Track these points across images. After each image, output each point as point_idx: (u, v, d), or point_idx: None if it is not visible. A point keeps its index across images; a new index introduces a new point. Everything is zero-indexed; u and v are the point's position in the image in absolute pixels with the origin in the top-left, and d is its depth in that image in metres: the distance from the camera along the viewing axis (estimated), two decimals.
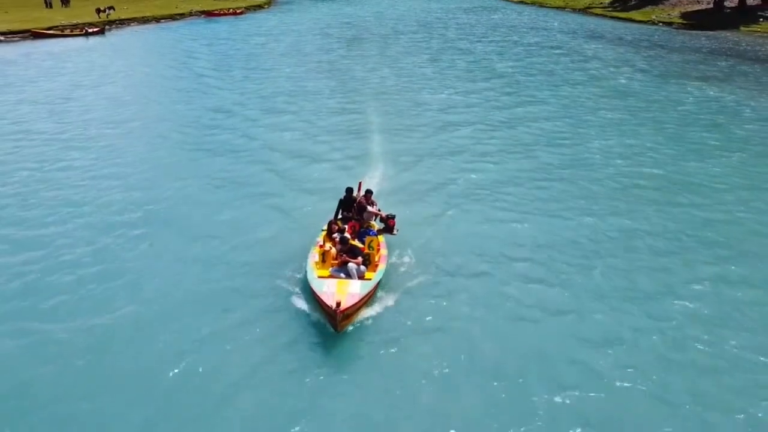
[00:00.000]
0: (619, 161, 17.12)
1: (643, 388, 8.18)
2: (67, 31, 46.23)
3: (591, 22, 53.22)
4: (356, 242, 10.94)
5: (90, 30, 46.55)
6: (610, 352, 8.91)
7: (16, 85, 28.09)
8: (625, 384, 8.23)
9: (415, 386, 8.30)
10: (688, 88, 26.52)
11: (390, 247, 11.39)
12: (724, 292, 10.42)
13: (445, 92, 26.20)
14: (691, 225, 13.04)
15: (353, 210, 12.25)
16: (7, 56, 36.00)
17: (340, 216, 12.32)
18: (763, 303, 10.17)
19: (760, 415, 7.74)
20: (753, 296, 10.34)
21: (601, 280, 10.83)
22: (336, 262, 10.66)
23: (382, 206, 12.89)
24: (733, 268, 11.24)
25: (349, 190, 12.53)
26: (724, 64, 32.47)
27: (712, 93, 25.67)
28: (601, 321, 9.64)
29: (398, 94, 25.92)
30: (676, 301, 10.13)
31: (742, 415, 7.74)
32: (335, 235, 11.26)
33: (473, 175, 16.03)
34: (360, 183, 13.36)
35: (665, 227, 12.90)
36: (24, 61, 34.71)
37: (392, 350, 9.03)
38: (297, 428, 7.57)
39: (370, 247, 11.20)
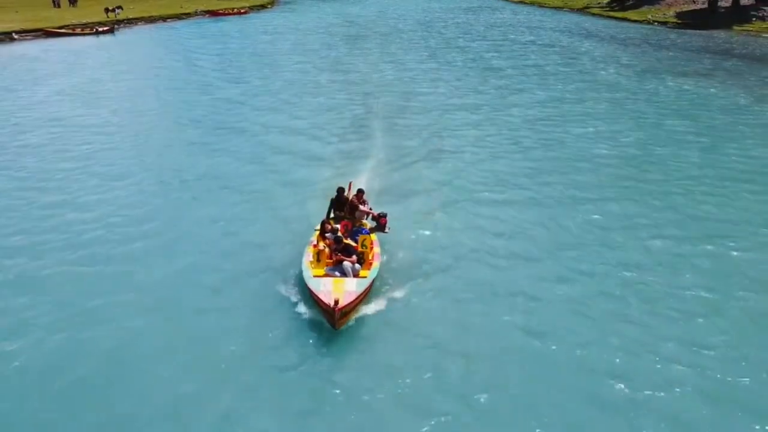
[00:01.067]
0: (599, 147, 18.57)
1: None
2: (78, 30, 47.64)
3: (588, 22, 54.29)
4: (349, 241, 11.16)
5: (100, 29, 47.98)
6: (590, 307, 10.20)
7: (46, 78, 29.89)
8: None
9: (412, 380, 8.57)
10: (669, 83, 27.85)
11: (383, 245, 11.62)
12: (680, 249, 12.06)
13: (442, 88, 27.46)
14: (654, 199, 14.50)
15: (345, 209, 12.46)
16: (30, 53, 37.67)
17: (332, 215, 12.49)
18: (705, 255, 11.88)
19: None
20: (696, 250, 12.04)
21: (587, 255, 12.01)
22: (331, 261, 10.82)
23: (375, 201, 13.35)
24: (685, 233, 12.70)
25: (341, 190, 12.67)
26: (708, 60, 33.70)
27: (688, 87, 27.07)
28: (581, 286, 10.92)
29: (398, 89, 27.19)
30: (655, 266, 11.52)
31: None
32: (328, 234, 11.32)
33: (464, 169, 16.89)
34: (350, 183, 13.45)
35: (652, 206, 14.31)
36: (46, 57, 36.37)
37: (390, 346, 9.37)
38: (297, 425, 7.85)
39: (363, 245, 11.35)
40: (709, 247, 12.23)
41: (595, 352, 9.10)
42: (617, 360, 8.92)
